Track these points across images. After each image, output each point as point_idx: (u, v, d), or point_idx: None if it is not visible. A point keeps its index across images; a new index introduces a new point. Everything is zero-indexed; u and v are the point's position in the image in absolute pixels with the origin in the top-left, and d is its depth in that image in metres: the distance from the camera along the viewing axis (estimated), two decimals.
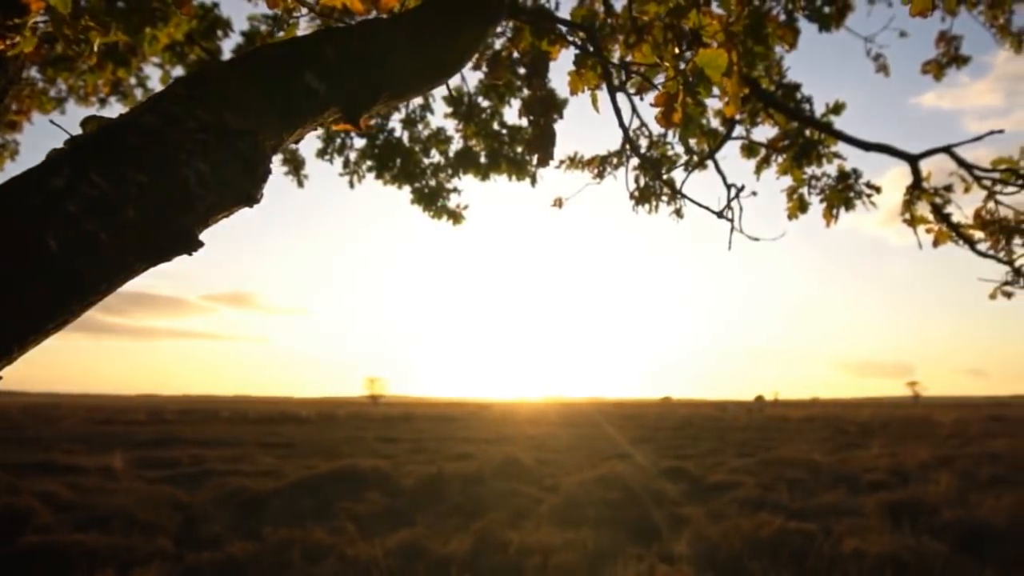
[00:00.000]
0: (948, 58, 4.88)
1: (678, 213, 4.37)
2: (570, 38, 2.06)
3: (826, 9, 3.95)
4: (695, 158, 4.26)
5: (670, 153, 4.34)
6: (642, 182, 4.27)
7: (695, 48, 1.69)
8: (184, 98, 0.98)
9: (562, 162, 4.35)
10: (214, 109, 0.99)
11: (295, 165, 5.53)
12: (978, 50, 5.03)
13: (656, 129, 4.18)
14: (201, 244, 1.02)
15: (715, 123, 4.55)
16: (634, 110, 3.22)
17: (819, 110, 4.49)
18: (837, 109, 4.04)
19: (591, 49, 1.97)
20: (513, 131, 4.63)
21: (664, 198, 4.32)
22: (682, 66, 1.62)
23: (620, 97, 2.36)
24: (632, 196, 4.25)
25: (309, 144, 5.50)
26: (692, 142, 4.25)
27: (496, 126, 4.70)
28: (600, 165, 4.13)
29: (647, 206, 4.31)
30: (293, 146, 5.74)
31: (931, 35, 5.25)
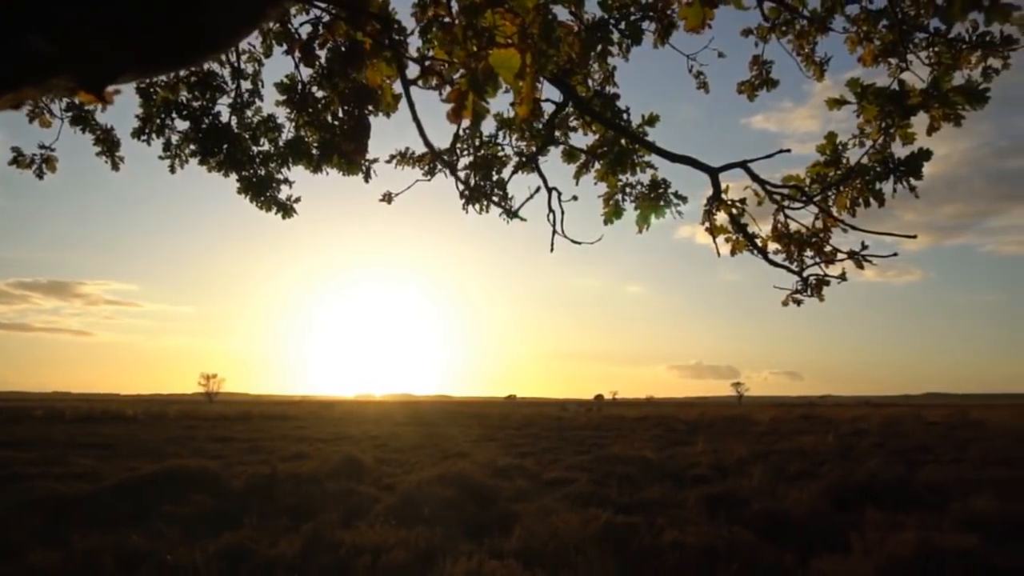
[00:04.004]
0: (760, 80, 5.26)
1: (508, 214, 4.45)
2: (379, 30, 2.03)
3: (647, 25, 4.14)
4: (523, 159, 4.34)
5: (500, 154, 4.40)
6: (472, 181, 4.31)
7: (490, 48, 1.71)
8: None
9: (393, 157, 4.31)
10: None
11: (109, 145, 5.12)
12: (801, 79, 5.46)
13: (487, 128, 4.23)
14: None
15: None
16: None
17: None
18: (651, 121, 4.25)
19: (387, 41, 1.95)
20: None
21: (495, 198, 4.38)
22: (474, 65, 1.64)
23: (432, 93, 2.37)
24: (462, 195, 4.29)
25: (125, 122, 5.11)
26: (522, 144, 4.34)
27: (330, 117, 4.57)
28: (431, 162, 4.13)
29: (477, 206, 4.35)
30: (107, 124, 5.33)
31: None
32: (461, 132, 3.94)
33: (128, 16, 1.04)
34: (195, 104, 4.83)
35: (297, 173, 5.14)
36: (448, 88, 1.74)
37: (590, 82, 4.32)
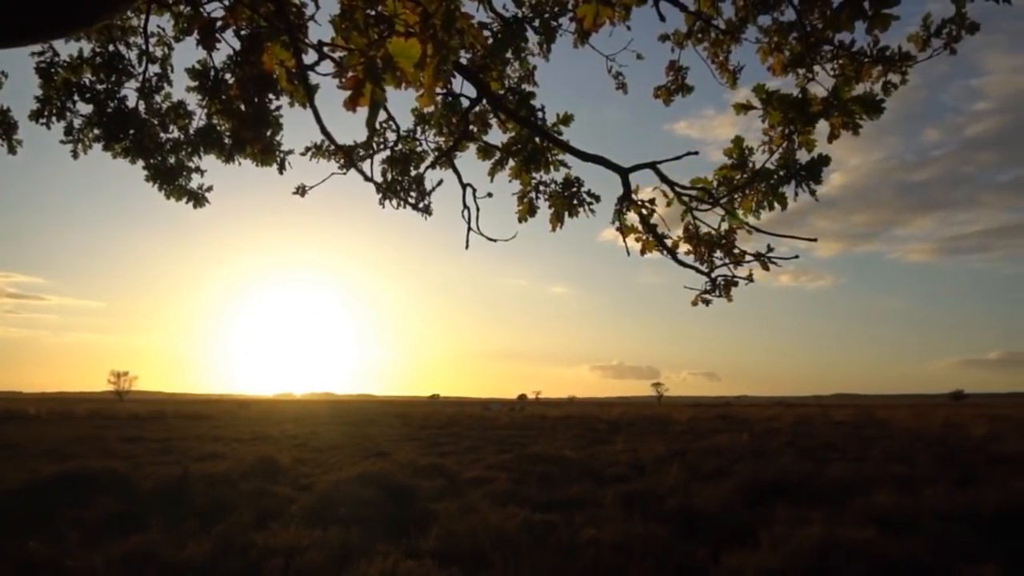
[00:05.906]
0: (676, 86, 5.37)
1: (426, 210, 4.40)
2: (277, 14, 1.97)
3: (566, 24, 4.17)
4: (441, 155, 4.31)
5: (419, 149, 4.36)
6: (389, 176, 4.25)
7: (390, 36, 1.68)
8: None
9: (308, 149, 4.22)
10: None
11: (5, 128, 4.83)
12: (722, 87, 5.59)
13: (405, 124, 4.18)
14: None
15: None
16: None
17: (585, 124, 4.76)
18: (566, 120, 4.28)
19: (283, 25, 1.89)
20: None
21: (412, 195, 4.33)
22: (373, 53, 1.60)
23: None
24: (379, 189, 4.22)
25: (22, 103, 4.83)
26: (440, 139, 4.30)
27: (243, 106, 4.41)
28: (347, 156, 4.05)
29: (394, 201, 4.30)
30: (3, 105, 5.04)
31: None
32: (379, 126, 3.89)
33: None
34: (99, 87, 4.60)
35: (217, 166, 4.99)
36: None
37: (507, 80, 4.32)
